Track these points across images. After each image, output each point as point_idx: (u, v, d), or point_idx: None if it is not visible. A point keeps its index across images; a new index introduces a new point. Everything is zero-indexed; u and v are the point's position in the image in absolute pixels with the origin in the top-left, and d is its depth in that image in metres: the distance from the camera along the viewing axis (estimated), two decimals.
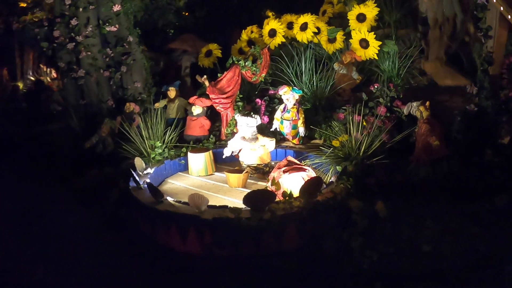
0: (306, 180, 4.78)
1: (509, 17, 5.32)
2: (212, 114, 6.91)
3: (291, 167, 4.90)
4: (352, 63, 6.83)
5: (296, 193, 4.70)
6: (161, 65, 8.91)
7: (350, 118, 5.51)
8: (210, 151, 6.01)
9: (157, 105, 7.31)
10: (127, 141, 6.20)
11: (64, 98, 7.61)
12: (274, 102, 6.82)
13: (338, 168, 5.10)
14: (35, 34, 7.59)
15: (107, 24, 7.29)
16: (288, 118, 6.22)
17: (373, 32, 6.62)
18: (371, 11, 6.86)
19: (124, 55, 7.49)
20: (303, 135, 6.27)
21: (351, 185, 4.73)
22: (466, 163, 5.21)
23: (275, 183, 4.87)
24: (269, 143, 5.50)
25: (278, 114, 6.33)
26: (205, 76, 6.64)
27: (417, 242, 4.29)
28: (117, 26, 7.28)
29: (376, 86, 6.43)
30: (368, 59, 6.78)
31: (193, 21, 9.67)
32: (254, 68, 6.65)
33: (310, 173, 4.88)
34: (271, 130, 6.36)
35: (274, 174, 4.95)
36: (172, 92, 7.26)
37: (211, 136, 6.58)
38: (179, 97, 7.29)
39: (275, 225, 4.28)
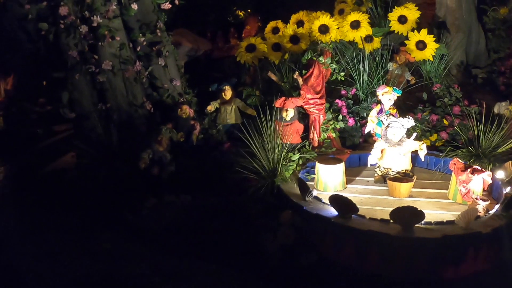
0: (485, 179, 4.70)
1: None
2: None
3: (473, 169, 4.72)
4: (405, 63, 6.90)
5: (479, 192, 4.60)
6: None
7: (472, 117, 5.58)
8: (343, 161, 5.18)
9: (209, 108, 6.00)
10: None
11: (76, 100, 5.41)
12: (349, 103, 6.37)
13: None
14: (23, 12, 5.20)
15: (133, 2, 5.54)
16: None
17: (432, 35, 6.79)
18: (413, 13, 7.01)
19: (152, 45, 5.83)
20: None
21: None
22: None
23: None
24: (424, 146, 5.11)
25: (373, 115, 5.92)
26: (297, 72, 5.71)
27: None
28: (169, 4, 5.61)
29: (438, 87, 6.68)
30: (422, 60, 6.94)
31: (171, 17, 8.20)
32: (334, 66, 6.08)
33: (489, 173, 4.82)
34: (365, 132, 5.94)
35: (461, 177, 4.67)
36: (228, 92, 6.02)
37: (307, 143, 5.68)
38: (235, 98, 6.11)
39: None
